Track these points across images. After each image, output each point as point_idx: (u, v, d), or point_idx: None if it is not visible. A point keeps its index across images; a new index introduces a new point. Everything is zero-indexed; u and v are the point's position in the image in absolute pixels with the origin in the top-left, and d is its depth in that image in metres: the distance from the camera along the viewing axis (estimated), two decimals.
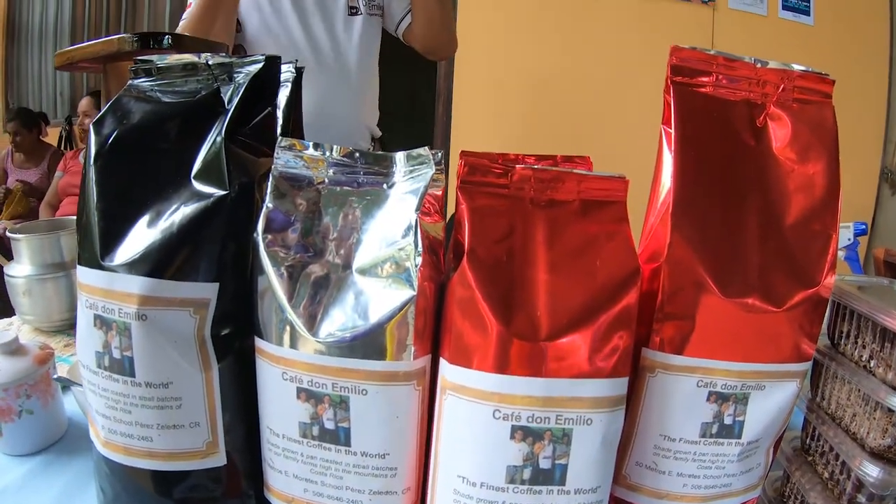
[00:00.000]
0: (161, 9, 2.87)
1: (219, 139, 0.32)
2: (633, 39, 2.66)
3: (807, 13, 2.55)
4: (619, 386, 0.30)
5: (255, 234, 0.31)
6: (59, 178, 2.46)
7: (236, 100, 0.33)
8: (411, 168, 0.32)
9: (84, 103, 2.41)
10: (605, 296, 0.29)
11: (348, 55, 0.99)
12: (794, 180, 0.35)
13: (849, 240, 0.66)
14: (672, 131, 0.34)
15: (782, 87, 0.35)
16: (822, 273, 0.34)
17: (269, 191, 0.31)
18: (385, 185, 0.32)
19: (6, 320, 0.80)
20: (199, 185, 0.32)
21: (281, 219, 0.31)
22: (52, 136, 2.96)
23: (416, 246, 0.29)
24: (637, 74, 2.61)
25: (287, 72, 0.39)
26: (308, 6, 0.97)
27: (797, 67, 0.36)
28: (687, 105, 0.34)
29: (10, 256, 0.76)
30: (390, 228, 0.30)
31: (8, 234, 0.77)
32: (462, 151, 0.35)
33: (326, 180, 0.32)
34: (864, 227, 0.68)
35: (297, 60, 0.41)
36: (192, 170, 0.33)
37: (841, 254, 0.68)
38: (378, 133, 1.15)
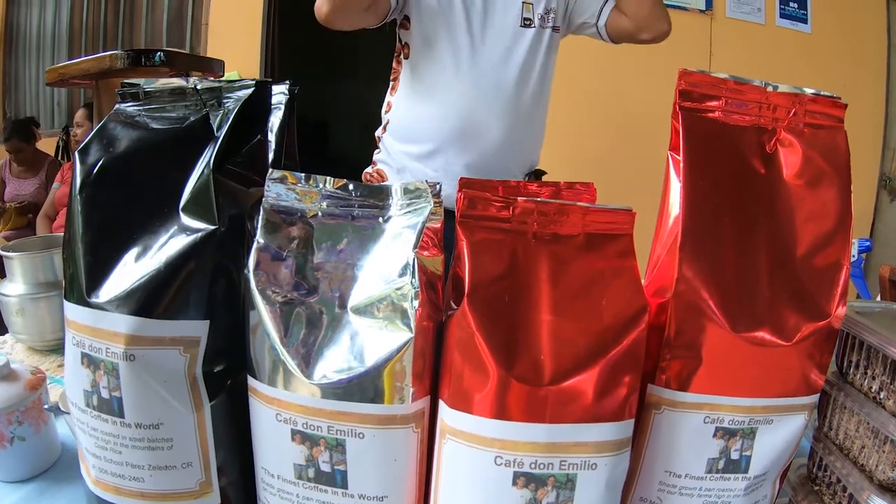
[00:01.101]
0: (158, 17, 2.85)
1: (207, 171, 0.32)
2: (630, 49, 2.69)
3: (804, 21, 2.56)
4: (624, 429, 0.29)
5: (246, 271, 0.30)
6: (56, 189, 2.47)
7: (225, 128, 0.32)
8: (409, 201, 0.31)
9: (79, 115, 2.40)
10: (611, 337, 0.28)
11: (509, 69, 0.93)
12: (805, 209, 0.34)
13: (853, 257, 0.66)
14: (680, 158, 0.33)
15: (793, 111, 0.35)
16: (834, 304, 0.34)
17: (259, 225, 0.31)
18: (381, 219, 0.31)
19: (2, 338, 0.80)
20: (187, 219, 0.31)
21: (272, 254, 0.31)
22: (48, 144, 2.94)
23: (415, 286, 0.29)
24: (635, 84, 2.60)
25: (280, 93, 0.38)
26: (476, 11, 0.92)
27: (808, 91, 0.35)
28: (695, 131, 0.33)
29: (3, 273, 0.76)
30: (386, 265, 0.30)
31: (0, 251, 0.76)
32: (461, 180, 0.35)
33: (319, 213, 0.31)
34: (868, 243, 0.68)
35: (296, 88, 0.40)
36: (180, 201, 0.32)
37: None
38: (535, 163, 1.06)
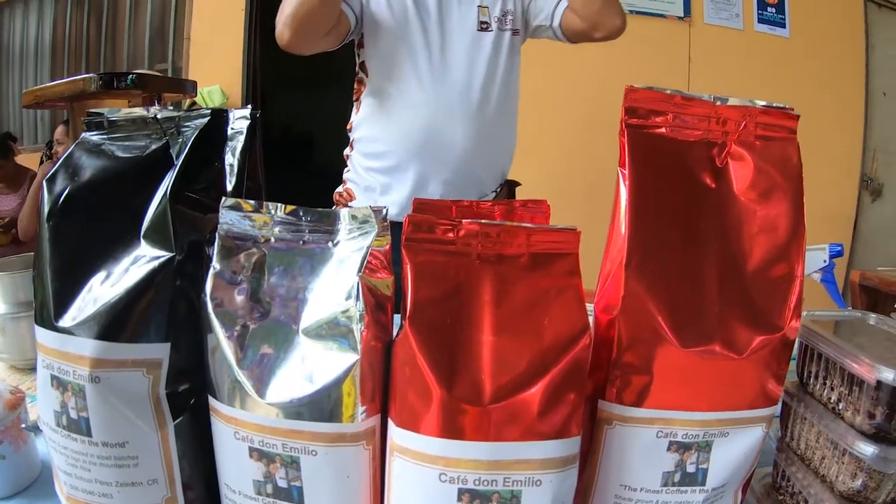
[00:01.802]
0: (141, 31, 2.88)
1: (164, 199, 0.33)
2: (610, 56, 2.65)
3: (782, 25, 2.57)
4: (569, 446, 0.30)
5: (203, 295, 0.32)
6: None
7: (182, 157, 0.34)
8: (357, 226, 0.32)
9: (59, 132, 2.40)
10: (552, 356, 0.30)
11: (470, 76, 0.93)
12: (756, 222, 0.35)
13: (824, 261, 0.66)
14: (626, 175, 0.34)
15: (744, 124, 0.35)
16: (787, 317, 0.34)
17: (215, 251, 0.32)
18: (330, 244, 0.33)
19: None
20: (147, 246, 0.33)
21: (228, 279, 0.32)
22: (31, 159, 2.96)
23: (359, 309, 0.30)
24: (615, 91, 2.60)
25: (241, 118, 0.40)
26: (432, 21, 0.92)
27: (759, 103, 0.35)
28: (641, 148, 0.34)
29: None
30: (334, 289, 0.31)
31: None
32: (415, 201, 0.36)
33: (272, 239, 0.33)
34: (839, 248, 0.67)
35: (257, 112, 0.42)
36: (141, 229, 0.34)
37: (817, 276, 0.67)
38: (507, 171, 1.05)
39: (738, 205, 0.34)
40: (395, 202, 0.94)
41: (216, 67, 2.72)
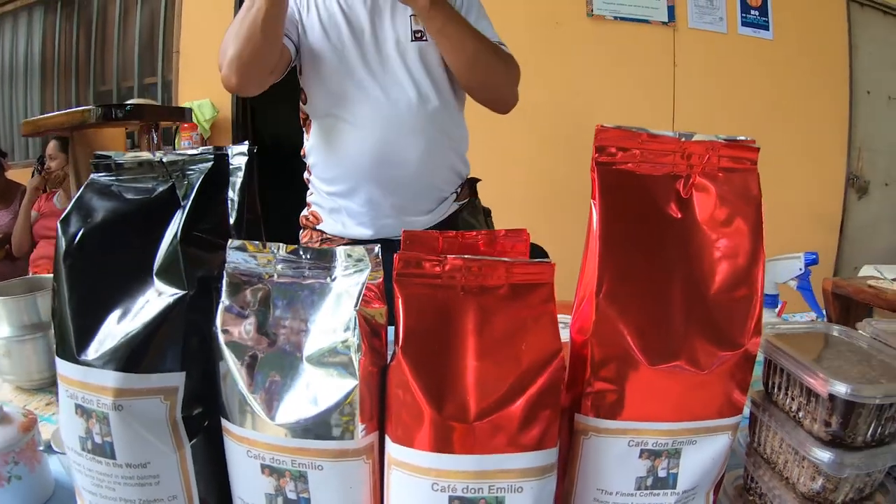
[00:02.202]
0: (130, 46, 2.88)
1: (175, 241, 0.37)
2: (595, 62, 2.63)
3: (766, 28, 2.64)
4: (546, 456, 0.34)
5: (214, 328, 0.36)
6: (35, 217, 2.50)
7: (189, 201, 0.38)
8: (352, 264, 0.36)
9: (51, 147, 2.44)
10: (529, 377, 0.33)
11: (411, 88, 0.92)
12: (718, 249, 0.39)
13: (800, 269, 0.70)
14: (597, 207, 0.38)
15: (707, 157, 0.39)
16: (748, 334, 0.38)
17: (223, 288, 0.36)
18: (328, 279, 0.36)
19: None
20: (160, 283, 0.37)
21: (236, 313, 0.36)
22: (23, 174, 2.92)
23: (357, 339, 0.34)
24: (602, 96, 2.65)
25: (239, 154, 0.44)
26: (366, 37, 0.92)
27: (722, 138, 0.39)
28: (611, 183, 0.38)
29: None
30: (334, 321, 0.35)
31: None
32: (405, 234, 0.40)
33: (276, 275, 0.37)
34: (814, 256, 0.71)
35: (254, 148, 0.45)
36: (153, 267, 0.38)
37: (793, 283, 0.71)
38: (465, 172, 1.05)
39: (701, 233, 0.38)
40: (364, 223, 0.97)
41: (206, 81, 2.74)
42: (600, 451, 0.38)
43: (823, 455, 0.37)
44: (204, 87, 2.74)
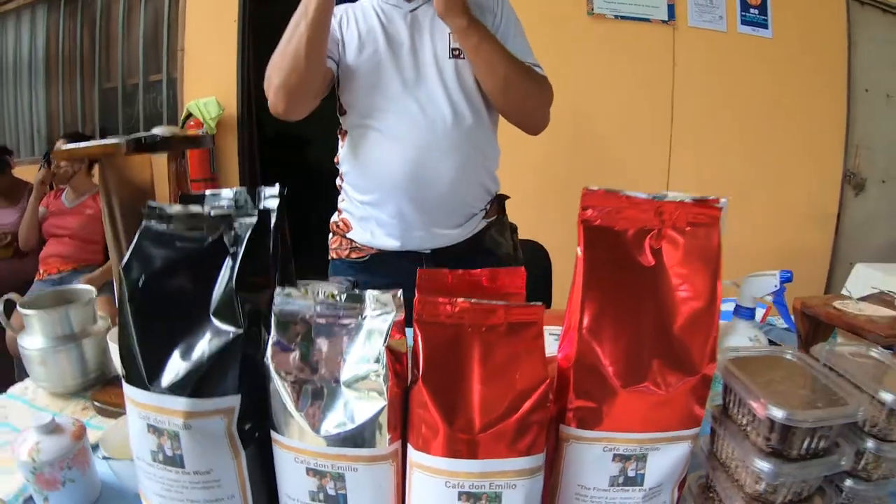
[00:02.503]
0: (134, 43, 2.89)
1: (229, 286, 0.45)
2: (596, 61, 2.67)
3: (765, 26, 2.66)
4: (535, 460, 0.43)
5: (265, 359, 0.45)
6: (43, 213, 2.56)
7: (240, 253, 0.46)
8: (380, 306, 0.44)
9: (59, 146, 2.54)
10: (521, 399, 0.42)
11: (446, 105, 0.93)
12: (682, 291, 0.47)
13: (775, 286, 0.78)
14: (581, 257, 0.46)
15: (677, 213, 0.47)
16: (705, 362, 0.46)
17: (273, 326, 0.45)
18: (360, 317, 0.45)
19: (21, 385, 0.88)
20: (217, 322, 0.45)
21: (283, 347, 0.44)
22: (29, 172, 2.89)
23: (384, 368, 0.42)
24: (603, 94, 2.70)
25: (271, 197, 0.52)
26: (405, 52, 0.94)
27: (691, 198, 0.47)
28: (593, 237, 0.46)
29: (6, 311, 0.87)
30: (365, 353, 0.44)
31: (18, 308, 0.83)
32: (420, 273, 0.48)
33: (316, 315, 0.45)
34: (789, 274, 0.79)
35: (285, 189, 0.53)
36: (210, 308, 0.46)
37: (770, 298, 0.79)
38: (494, 189, 1.07)
39: (668, 278, 0.47)
40: (393, 234, 1.00)
41: (210, 78, 2.80)
42: (580, 455, 0.47)
43: (763, 465, 0.46)
44: (209, 84, 2.79)
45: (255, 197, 0.56)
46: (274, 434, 0.46)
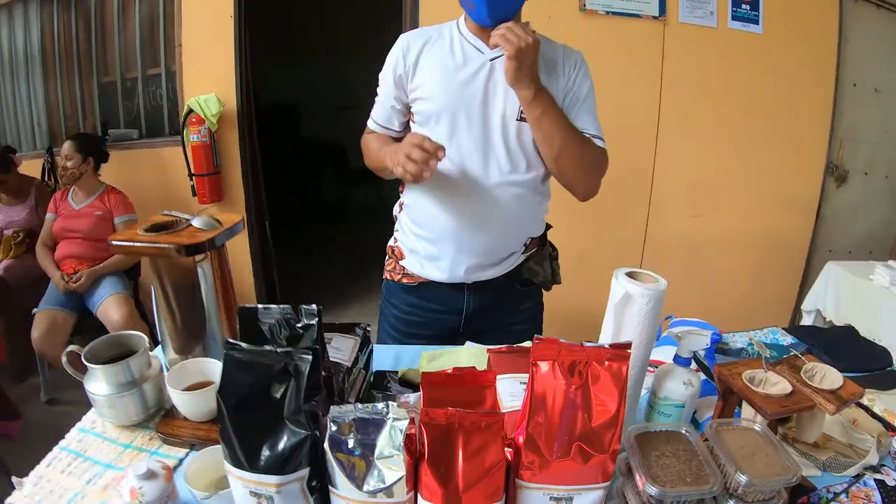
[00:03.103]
0: (131, 36, 2.93)
1: (297, 403, 0.71)
2: (589, 56, 2.76)
3: (756, 22, 2.74)
4: None
5: (325, 447, 0.72)
6: (51, 220, 2.71)
7: (304, 385, 0.72)
8: (398, 413, 0.71)
9: (67, 147, 2.61)
10: (488, 472, 0.69)
11: (506, 165, 1.03)
12: (599, 404, 0.73)
13: (706, 345, 1.03)
14: (529, 382, 0.72)
15: (599, 354, 0.72)
16: (611, 446, 0.73)
17: (329, 427, 0.72)
18: (385, 416, 0.72)
19: (89, 419, 1.02)
20: (293, 426, 0.71)
21: (337, 440, 0.72)
22: (33, 166, 3.04)
23: (402, 453, 0.70)
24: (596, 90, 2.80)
25: (310, 314, 0.77)
26: (476, 103, 1.02)
27: (608, 344, 0.73)
28: (539, 371, 0.72)
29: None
30: (391, 441, 0.71)
31: (83, 361, 0.95)
32: (423, 376, 0.75)
33: (357, 418, 0.72)
34: (717, 337, 1.03)
35: (321, 307, 0.79)
36: (284, 416, 0.72)
37: (702, 353, 1.05)
38: (541, 229, 1.19)
39: (590, 394, 0.72)
40: (438, 267, 1.18)
41: (210, 73, 2.91)
42: (529, 499, 0.75)
43: None
44: (208, 79, 2.91)
45: (297, 313, 0.82)
46: (331, 488, 0.74)
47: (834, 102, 2.97)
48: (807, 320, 2.60)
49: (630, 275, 0.88)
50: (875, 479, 0.92)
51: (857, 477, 0.92)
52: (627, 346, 0.72)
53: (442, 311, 1.26)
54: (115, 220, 2.73)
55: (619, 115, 2.92)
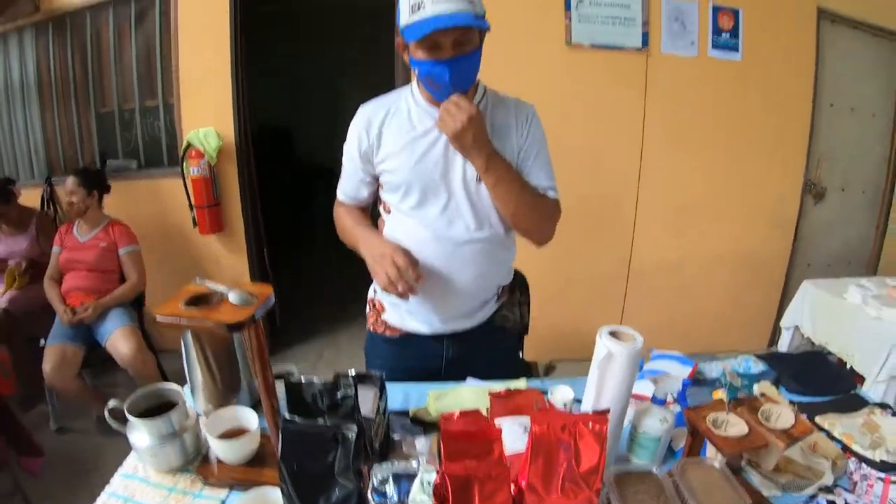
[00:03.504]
0: (127, 67, 3.05)
1: (346, 464, 0.92)
2: (572, 88, 3.05)
3: (735, 49, 2.99)
4: None
5: (368, 493, 0.93)
6: (57, 253, 2.83)
7: (351, 448, 0.93)
8: (428, 469, 0.93)
9: (70, 183, 2.73)
10: None
11: (476, 225, 1.14)
12: (583, 455, 0.95)
13: (678, 389, 1.25)
14: (529, 441, 0.94)
15: (584, 417, 0.94)
16: (595, 486, 0.96)
17: (372, 481, 0.93)
18: (416, 467, 0.93)
19: (131, 465, 1.12)
20: (342, 481, 0.93)
21: (378, 490, 0.93)
22: (32, 197, 3.12)
23: (431, 500, 0.91)
24: (580, 120, 3.11)
25: (347, 385, 0.98)
26: (437, 174, 1.14)
27: (591, 411, 0.95)
28: (537, 432, 0.94)
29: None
30: (422, 489, 0.92)
31: (128, 416, 1.06)
32: (443, 425, 0.97)
33: (395, 474, 0.93)
34: (688, 382, 1.25)
35: (353, 372, 1.00)
36: (335, 473, 0.93)
37: (670, 396, 1.28)
38: (510, 279, 1.33)
39: (577, 448, 0.95)
40: (420, 321, 1.34)
41: (208, 107, 3.06)
42: None
43: None
44: (206, 113, 3.06)
45: (336, 383, 1.03)
46: None
47: (812, 122, 3.21)
48: (785, 336, 2.85)
49: (612, 333, 1.09)
50: (827, 500, 1.08)
51: (812, 497, 1.09)
52: (606, 412, 0.94)
53: (424, 359, 1.43)
54: (119, 252, 2.88)
55: (605, 142, 3.15)
